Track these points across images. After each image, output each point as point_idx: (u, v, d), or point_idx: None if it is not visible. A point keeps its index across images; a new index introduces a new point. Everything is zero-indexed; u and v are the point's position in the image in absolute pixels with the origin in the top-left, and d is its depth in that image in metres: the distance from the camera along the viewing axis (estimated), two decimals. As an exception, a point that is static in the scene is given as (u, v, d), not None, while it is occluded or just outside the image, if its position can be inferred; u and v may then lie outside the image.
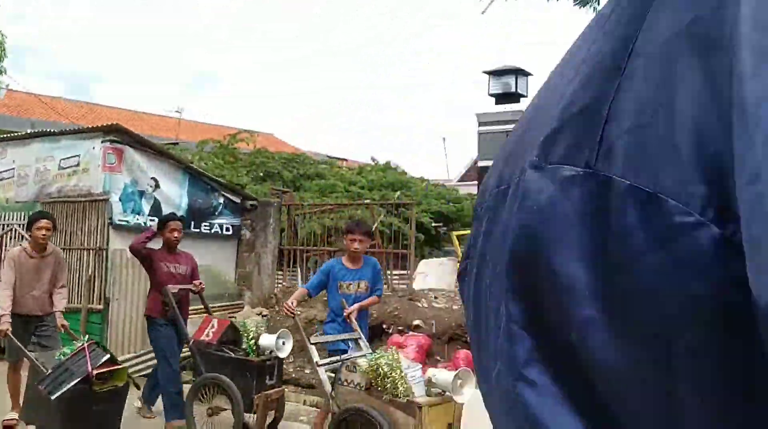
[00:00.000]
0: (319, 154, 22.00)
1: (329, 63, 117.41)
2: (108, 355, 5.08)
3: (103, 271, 8.23)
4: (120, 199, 8.35)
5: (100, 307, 8.13)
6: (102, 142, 8.42)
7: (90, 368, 4.83)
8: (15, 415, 5.80)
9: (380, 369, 4.24)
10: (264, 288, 10.32)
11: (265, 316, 9.52)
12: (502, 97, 7.43)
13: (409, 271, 10.35)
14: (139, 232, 8.56)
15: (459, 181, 24.86)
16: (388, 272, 10.38)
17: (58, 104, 24.51)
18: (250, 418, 5.33)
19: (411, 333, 8.29)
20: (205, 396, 5.46)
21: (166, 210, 8.91)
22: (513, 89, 7.38)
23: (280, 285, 10.70)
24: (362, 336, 5.21)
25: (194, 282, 6.23)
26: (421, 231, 13.55)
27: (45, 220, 6.04)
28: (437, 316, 8.63)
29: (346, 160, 24.33)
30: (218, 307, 7.17)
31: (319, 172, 15.54)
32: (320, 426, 5.44)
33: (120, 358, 5.98)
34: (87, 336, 5.69)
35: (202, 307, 6.49)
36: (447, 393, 4.26)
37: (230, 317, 8.54)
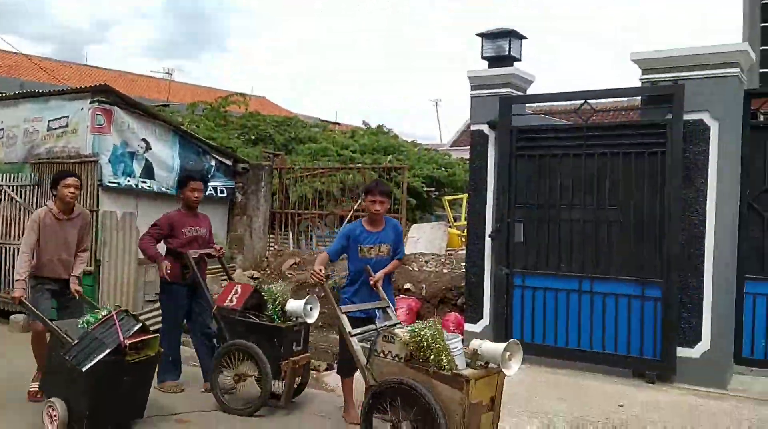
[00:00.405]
0: (312, 118, 21.84)
1: (323, 25, 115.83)
2: (140, 324, 4.84)
3: (94, 233, 8.20)
4: (110, 161, 8.28)
5: (91, 268, 8.11)
6: (90, 103, 8.33)
7: (122, 338, 4.63)
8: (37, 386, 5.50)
9: (423, 340, 3.98)
10: (255, 251, 10.35)
11: (256, 279, 9.57)
12: (496, 60, 7.33)
13: (400, 235, 10.36)
14: (129, 194, 8.59)
15: (451, 145, 24.80)
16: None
17: (49, 65, 24.17)
18: (276, 384, 5.28)
19: (401, 296, 8.37)
20: (230, 362, 5.39)
21: (158, 172, 8.88)
22: (507, 52, 7.26)
23: (271, 248, 10.73)
24: (390, 304, 5.03)
25: (214, 246, 6.14)
26: (412, 195, 13.55)
27: (72, 178, 5.63)
28: (427, 280, 8.70)
29: (338, 123, 24.21)
30: (209, 270, 7.15)
31: (311, 135, 15.44)
32: (353, 405, 5.27)
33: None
34: (109, 304, 5.56)
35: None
36: (491, 365, 4.03)
37: (221, 280, 8.58)
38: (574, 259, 6.58)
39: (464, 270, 7.60)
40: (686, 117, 6.00)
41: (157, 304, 8.82)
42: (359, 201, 10.70)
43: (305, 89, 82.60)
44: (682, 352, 6.00)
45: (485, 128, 7.15)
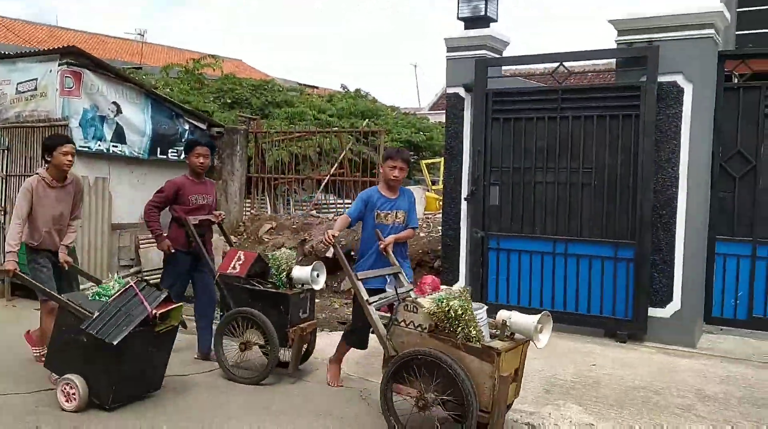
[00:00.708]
0: (289, 82, 21.55)
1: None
2: (165, 293, 4.69)
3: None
4: (80, 125, 8.11)
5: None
6: (59, 65, 8.12)
7: (150, 309, 4.49)
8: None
9: (451, 311, 3.79)
10: (232, 216, 10.28)
11: (234, 243, 9.51)
12: (472, 22, 7.24)
13: (377, 199, 10.33)
14: (100, 158, 8.45)
15: (430, 109, 24.66)
16: (357, 200, 10.38)
17: (17, 26, 23.55)
18: (283, 352, 5.20)
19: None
20: (235, 331, 5.28)
21: (129, 136, 8.72)
22: (483, 12, 7.14)
23: (248, 213, 10.66)
24: (402, 270, 4.88)
25: (214, 212, 5.94)
26: (390, 159, 13.48)
27: (70, 144, 5.34)
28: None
29: (316, 87, 23.92)
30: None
31: (288, 99, 15.21)
32: (338, 365, 5.23)
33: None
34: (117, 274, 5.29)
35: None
36: (517, 336, 3.91)
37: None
38: (548, 222, 6.62)
39: (441, 233, 7.62)
40: (661, 79, 6.00)
41: (134, 270, 8.82)
42: (335, 165, 10.66)
43: (283, 52, 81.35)
44: (653, 312, 6.11)
45: (461, 91, 7.11)
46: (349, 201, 10.59)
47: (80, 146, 8.11)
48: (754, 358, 5.69)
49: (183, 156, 9.35)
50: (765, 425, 4.35)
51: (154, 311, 4.53)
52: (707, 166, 6.16)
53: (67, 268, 5.45)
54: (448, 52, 7.21)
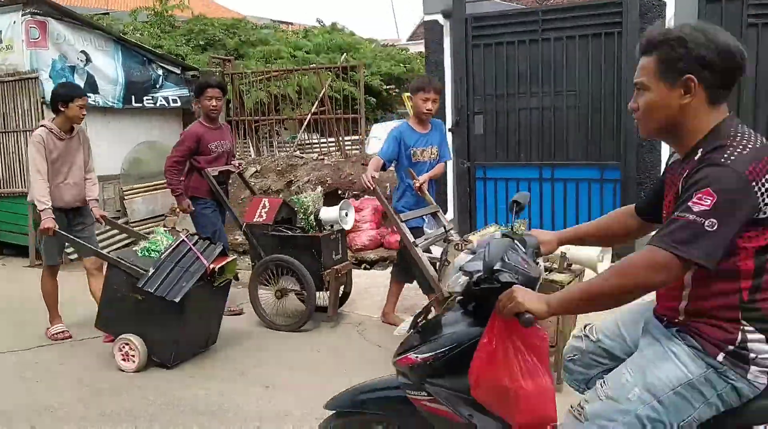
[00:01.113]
0: (263, 19, 20.98)
1: None
2: (220, 247, 4.60)
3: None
4: (50, 77, 7.87)
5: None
6: (22, 15, 7.83)
7: (207, 263, 4.37)
8: (61, 327, 5.13)
9: None
10: (215, 161, 10.14)
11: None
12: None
13: (360, 136, 10.24)
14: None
15: (409, 39, 24.21)
16: (340, 138, 10.27)
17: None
18: (320, 296, 5.16)
19: (366, 197, 8.35)
20: (269, 279, 5.22)
21: (101, 86, 8.50)
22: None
23: (231, 157, 10.52)
24: (440, 209, 4.74)
25: (233, 163, 5.74)
26: (372, 94, 13.28)
27: (85, 97, 5.08)
28: (391, 179, 8.66)
29: (291, 23, 23.36)
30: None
31: (262, 37, 14.83)
32: (392, 309, 5.14)
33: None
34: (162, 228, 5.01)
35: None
36: (574, 267, 3.76)
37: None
38: (534, 148, 6.58)
39: (426, 166, 7.57)
40: (642, -7, 5.87)
41: (121, 221, 8.74)
42: (316, 103, 10.48)
43: (255, -11, 78.71)
44: (641, 230, 6.15)
45: (439, 18, 6.93)
46: (333, 140, 10.47)
47: (53, 99, 7.91)
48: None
49: (157, 102, 9.29)
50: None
51: (211, 265, 4.42)
52: (691, 81, 6.09)
53: (103, 224, 5.27)
54: (423, -23, 7.00)
